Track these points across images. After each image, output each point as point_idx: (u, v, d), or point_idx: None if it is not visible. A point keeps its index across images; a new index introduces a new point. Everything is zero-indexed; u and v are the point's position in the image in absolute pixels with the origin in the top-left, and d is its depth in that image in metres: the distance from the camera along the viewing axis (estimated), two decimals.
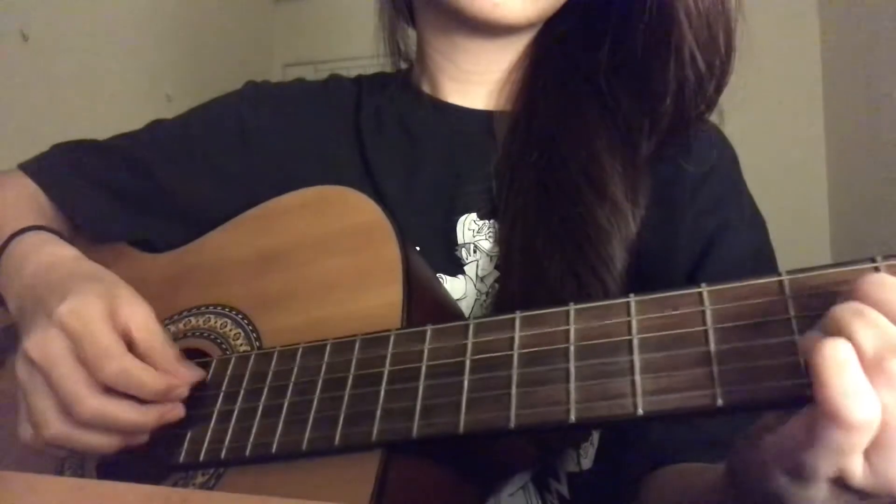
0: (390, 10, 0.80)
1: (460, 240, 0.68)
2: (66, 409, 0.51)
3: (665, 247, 0.64)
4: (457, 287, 0.67)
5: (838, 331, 0.33)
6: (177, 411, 0.54)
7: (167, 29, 1.74)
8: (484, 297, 0.66)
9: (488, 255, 0.67)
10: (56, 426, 0.52)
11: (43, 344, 0.52)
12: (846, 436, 0.32)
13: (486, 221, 0.68)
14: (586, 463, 0.63)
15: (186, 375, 0.55)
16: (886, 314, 0.32)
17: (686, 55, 0.62)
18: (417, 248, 0.65)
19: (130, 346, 0.54)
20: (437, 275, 0.66)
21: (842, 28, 2.11)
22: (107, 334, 0.53)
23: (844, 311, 0.33)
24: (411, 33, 0.81)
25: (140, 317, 0.55)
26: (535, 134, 0.67)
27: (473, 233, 0.68)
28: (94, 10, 1.47)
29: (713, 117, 0.69)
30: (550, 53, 0.72)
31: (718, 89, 0.64)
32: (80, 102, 1.43)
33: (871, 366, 0.32)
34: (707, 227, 0.65)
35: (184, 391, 0.55)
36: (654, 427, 0.63)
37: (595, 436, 0.63)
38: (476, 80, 0.74)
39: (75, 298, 0.53)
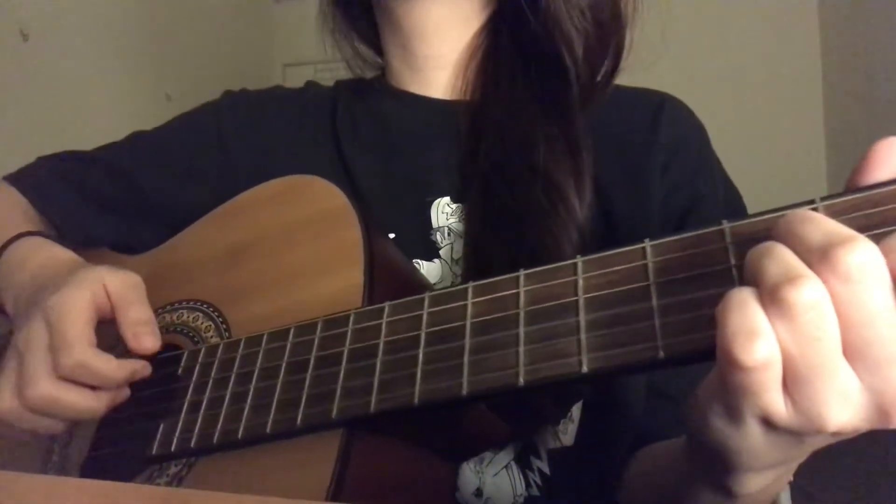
0: (341, 14, 0.81)
1: (434, 224, 0.69)
2: (20, 391, 0.53)
3: (637, 224, 0.64)
4: (433, 271, 0.67)
5: (751, 272, 0.32)
6: (124, 393, 0.56)
7: (167, 29, 1.75)
8: (459, 279, 0.66)
9: (461, 237, 0.67)
10: (7, 401, 0.53)
11: (26, 333, 0.55)
12: (746, 375, 0.31)
13: (459, 205, 0.69)
14: (567, 440, 0.62)
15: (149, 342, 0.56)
16: (795, 247, 0.31)
17: (573, 38, 0.67)
18: (392, 236, 0.65)
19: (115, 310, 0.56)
20: (414, 260, 0.67)
21: (842, 28, 2.10)
22: (74, 327, 0.53)
23: (755, 251, 0.33)
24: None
25: (116, 282, 0.57)
26: (488, 124, 0.68)
27: (447, 216, 0.69)
28: (94, 10, 1.49)
29: (689, 98, 0.71)
30: (501, 41, 0.73)
31: (613, 71, 0.70)
32: (80, 102, 1.44)
33: (768, 300, 0.31)
34: (680, 202, 0.66)
35: (146, 371, 0.56)
36: (636, 406, 0.62)
37: (576, 412, 0.63)
38: (432, 64, 0.75)
39: (64, 291, 0.55)
